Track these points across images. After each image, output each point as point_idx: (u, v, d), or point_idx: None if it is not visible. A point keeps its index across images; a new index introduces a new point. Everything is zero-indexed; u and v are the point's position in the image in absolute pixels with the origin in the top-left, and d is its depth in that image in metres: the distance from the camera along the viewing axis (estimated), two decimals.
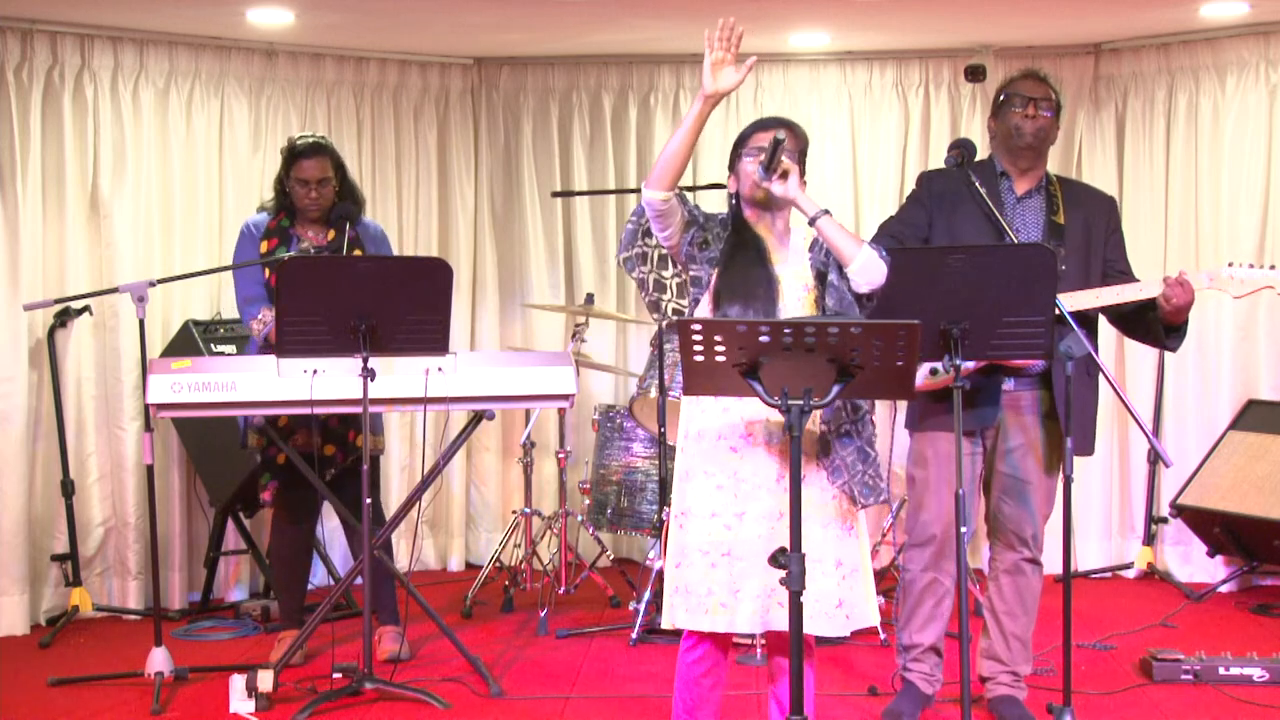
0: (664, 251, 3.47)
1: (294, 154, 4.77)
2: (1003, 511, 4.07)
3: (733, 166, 3.52)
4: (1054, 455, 4.04)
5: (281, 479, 4.82)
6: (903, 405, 4.92)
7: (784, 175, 3.39)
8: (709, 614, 3.35)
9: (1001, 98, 4.10)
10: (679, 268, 3.48)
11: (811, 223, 3.43)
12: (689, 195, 3.55)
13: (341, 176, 4.86)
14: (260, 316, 4.68)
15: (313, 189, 4.75)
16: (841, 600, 3.38)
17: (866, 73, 6.39)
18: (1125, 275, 4.06)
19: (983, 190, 3.92)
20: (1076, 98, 6.27)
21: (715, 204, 3.82)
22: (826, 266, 3.45)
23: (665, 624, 3.46)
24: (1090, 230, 4.04)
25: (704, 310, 3.42)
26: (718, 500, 3.37)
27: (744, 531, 3.35)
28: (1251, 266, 3.96)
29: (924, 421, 4.09)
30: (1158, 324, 3.94)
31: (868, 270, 3.39)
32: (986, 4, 5.51)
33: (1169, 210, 6.13)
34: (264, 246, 4.76)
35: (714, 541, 3.36)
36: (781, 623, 3.34)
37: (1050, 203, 4.05)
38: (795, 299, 3.44)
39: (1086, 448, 4.05)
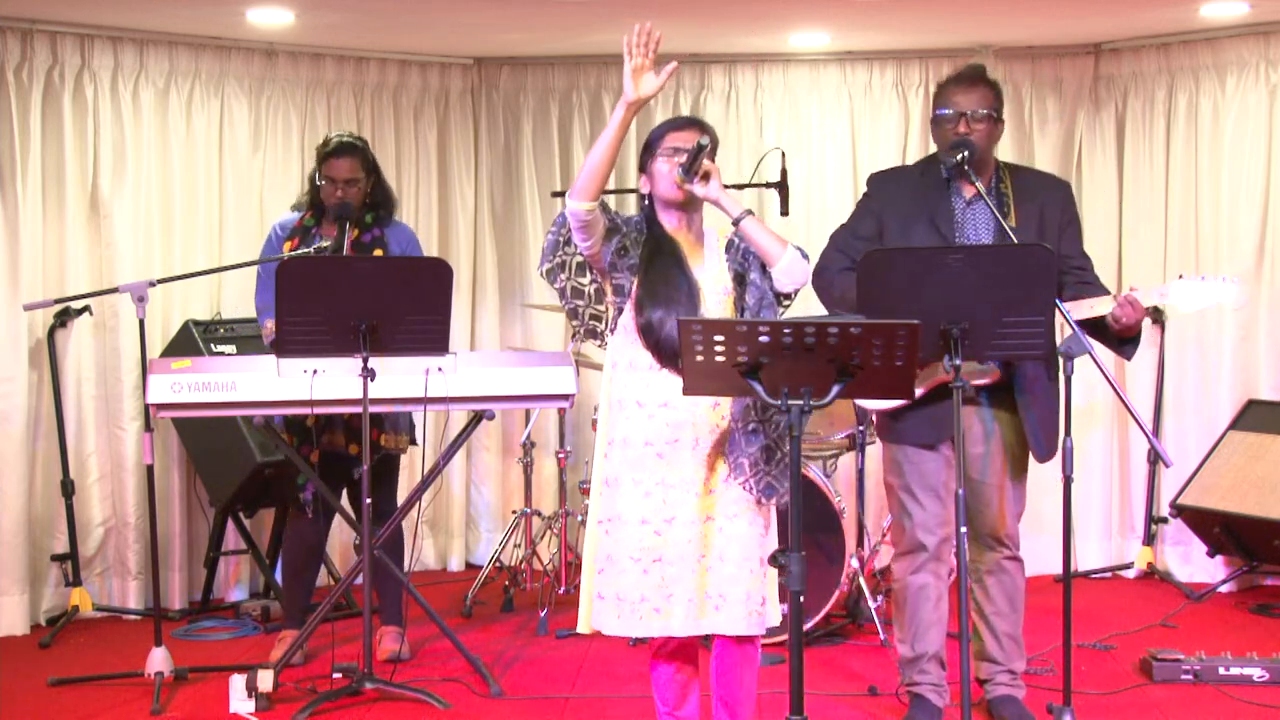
0: (580, 259, 3.45)
1: (326, 151, 4.80)
2: (977, 516, 4.05)
3: (644, 167, 3.49)
4: (1020, 455, 4.04)
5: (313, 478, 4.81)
6: None
7: (705, 177, 3.38)
8: (643, 620, 3.38)
9: (935, 111, 4.00)
10: (595, 274, 3.47)
11: (736, 224, 3.42)
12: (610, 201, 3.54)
13: (376, 179, 4.88)
14: (266, 327, 4.71)
15: (339, 188, 4.77)
16: (765, 598, 3.43)
17: (866, 73, 6.39)
18: (1082, 271, 4.01)
19: (981, 189, 3.88)
20: (1076, 98, 6.28)
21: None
22: (745, 268, 3.45)
23: (584, 629, 3.48)
24: (1044, 226, 3.96)
25: (628, 318, 3.42)
26: (647, 507, 3.38)
27: (673, 536, 3.37)
28: (1203, 279, 3.87)
29: (891, 434, 4.09)
30: (1111, 336, 3.92)
31: (791, 271, 3.41)
32: (986, 4, 5.51)
33: (1169, 210, 6.13)
34: (286, 248, 4.78)
35: (645, 548, 3.37)
36: (712, 626, 3.41)
37: (1001, 203, 3.98)
38: (715, 302, 3.45)
39: (1051, 452, 4.02)
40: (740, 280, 3.46)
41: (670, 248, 3.44)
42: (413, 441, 5.06)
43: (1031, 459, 4.05)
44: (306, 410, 4.41)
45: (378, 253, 4.79)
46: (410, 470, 6.10)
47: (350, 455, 4.79)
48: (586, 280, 3.47)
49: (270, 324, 4.68)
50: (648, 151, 3.48)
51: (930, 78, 6.32)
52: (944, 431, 3.94)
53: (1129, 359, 4.09)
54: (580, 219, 3.36)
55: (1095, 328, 3.93)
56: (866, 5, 5.39)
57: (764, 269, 3.43)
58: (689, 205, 3.46)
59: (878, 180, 4.19)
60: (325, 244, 4.79)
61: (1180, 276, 3.92)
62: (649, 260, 3.42)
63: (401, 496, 5.17)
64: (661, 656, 3.55)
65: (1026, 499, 4.13)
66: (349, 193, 4.77)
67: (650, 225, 3.48)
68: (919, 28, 5.92)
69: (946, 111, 3.95)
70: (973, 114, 3.91)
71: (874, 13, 5.53)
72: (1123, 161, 6.25)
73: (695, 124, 3.49)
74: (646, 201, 3.50)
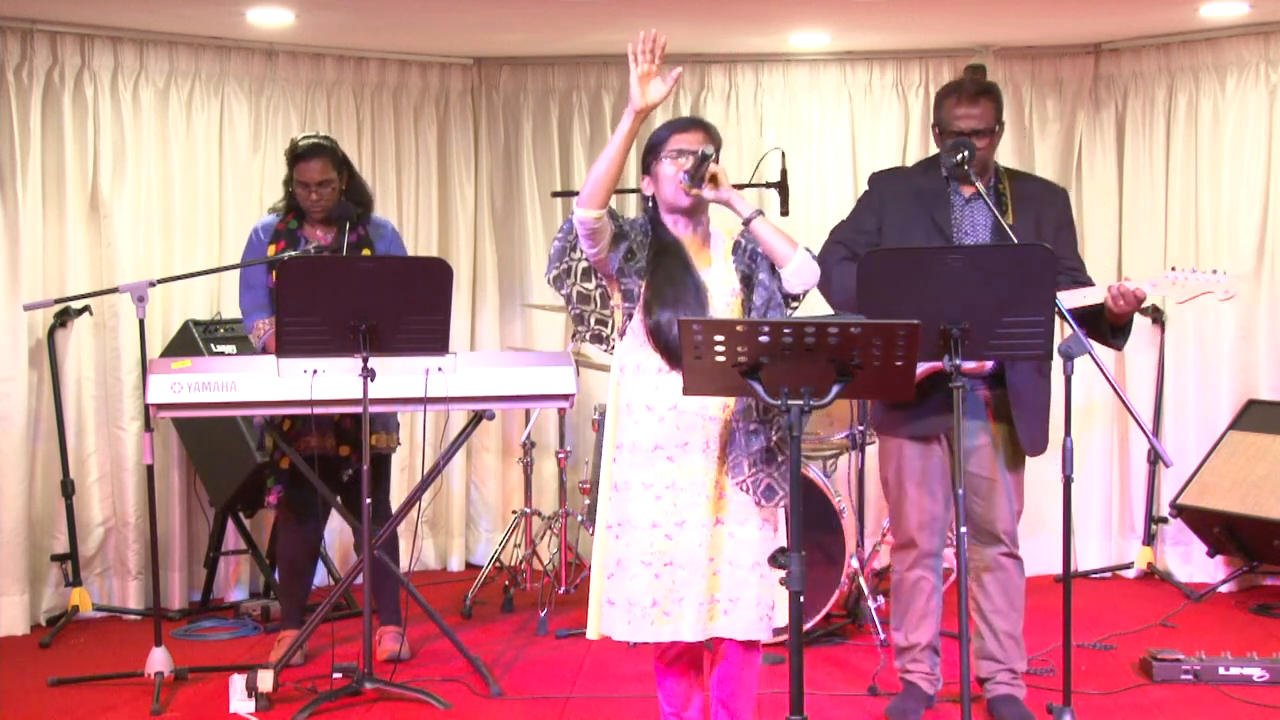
0: (586, 264, 3.43)
1: (295, 156, 4.77)
2: (973, 510, 4.07)
3: (648, 168, 3.47)
4: (1014, 451, 4.06)
5: (286, 483, 4.82)
6: None
7: (713, 180, 3.36)
8: (654, 624, 3.36)
9: (936, 125, 4.06)
10: (600, 278, 3.45)
11: (746, 224, 3.41)
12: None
13: (348, 175, 4.86)
14: (256, 329, 4.71)
15: (313, 190, 4.74)
16: (775, 602, 3.41)
17: (866, 73, 6.39)
18: (1075, 272, 4.05)
19: (981, 188, 3.91)
20: (1076, 98, 6.28)
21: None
22: (752, 270, 3.44)
23: (593, 635, 3.46)
24: (1040, 229, 4.01)
25: (636, 321, 3.41)
26: (657, 510, 3.37)
27: (684, 539, 3.36)
28: (1193, 271, 3.93)
29: (885, 428, 4.15)
30: (1105, 325, 3.95)
31: (801, 272, 3.40)
32: (986, 4, 5.51)
33: (1169, 210, 6.13)
34: (271, 250, 4.77)
35: (656, 551, 3.36)
36: (721, 630, 3.40)
37: (999, 203, 4.03)
38: (723, 304, 3.43)
39: (1040, 447, 4.08)
40: (748, 282, 3.45)
41: (676, 249, 3.43)
42: (398, 441, 5.07)
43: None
44: (306, 410, 4.41)
45: (365, 253, 4.77)
46: (410, 470, 6.11)
47: (340, 457, 4.77)
48: (592, 285, 3.46)
49: (260, 325, 4.69)
50: (651, 153, 3.46)
51: (930, 78, 6.32)
52: (938, 425, 3.99)
53: (1119, 349, 4.13)
54: (589, 226, 3.34)
55: (1086, 320, 3.97)
56: (866, 5, 5.38)
57: (772, 270, 3.42)
58: (694, 209, 3.45)
59: (880, 178, 4.25)
60: (311, 245, 4.76)
61: (1172, 269, 3.97)
62: (655, 262, 3.41)
63: (400, 496, 5.17)
64: (666, 660, 3.54)
65: (1025, 498, 4.15)
66: (323, 194, 4.74)
67: (655, 227, 3.46)
68: (919, 28, 5.92)
69: (950, 130, 4.00)
70: (975, 132, 3.96)
71: (874, 13, 5.53)
72: (1123, 161, 6.25)
73: (699, 125, 3.47)
74: (650, 203, 3.48)
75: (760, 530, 3.39)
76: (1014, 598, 4.13)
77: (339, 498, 4.85)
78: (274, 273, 4.69)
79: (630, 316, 3.42)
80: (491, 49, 6.39)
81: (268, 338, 4.66)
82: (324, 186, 4.75)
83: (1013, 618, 4.13)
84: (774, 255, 3.40)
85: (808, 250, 3.44)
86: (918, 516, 4.09)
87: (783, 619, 3.44)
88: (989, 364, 3.96)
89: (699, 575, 3.34)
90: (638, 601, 3.36)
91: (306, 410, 4.40)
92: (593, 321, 3.49)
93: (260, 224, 4.91)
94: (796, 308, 3.47)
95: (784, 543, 3.44)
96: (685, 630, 3.36)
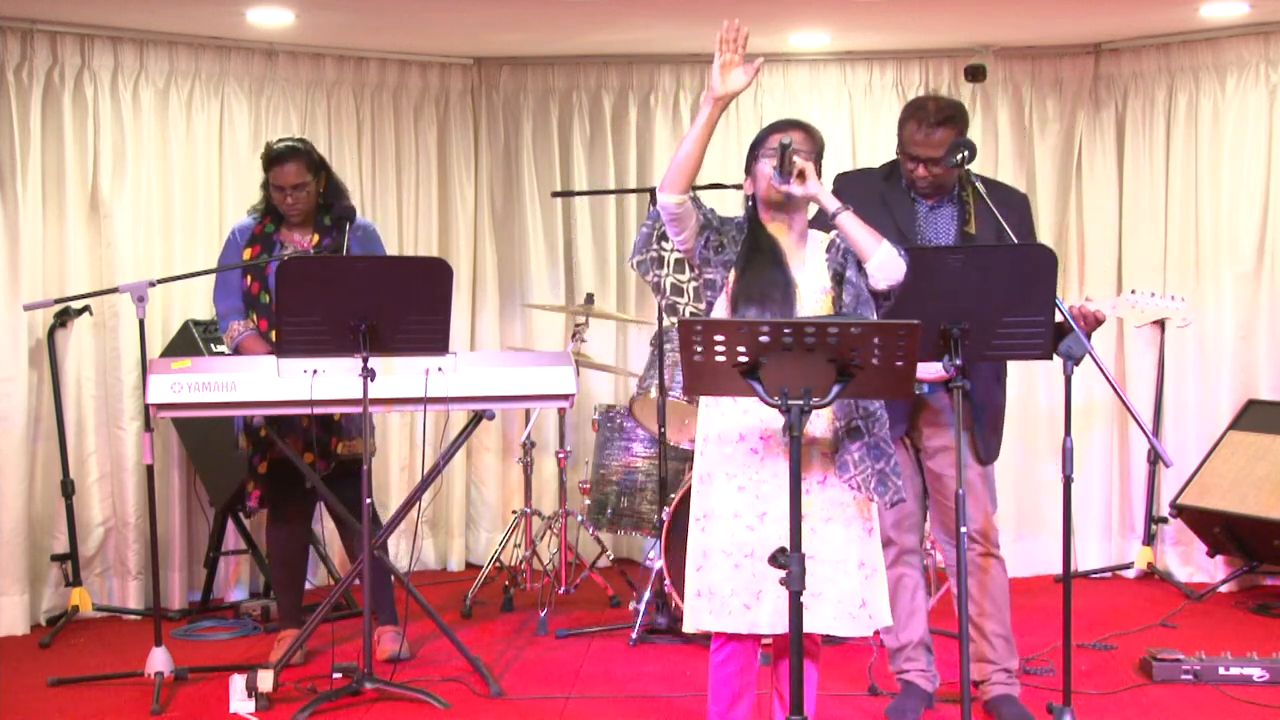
0: (680, 255, 3.48)
1: (269, 159, 4.75)
2: (947, 512, 4.08)
3: (749, 169, 3.53)
4: (977, 451, 4.08)
5: (263, 485, 4.83)
6: None
7: (801, 175, 3.40)
8: (732, 615, 3.37)
9: (899, 139, 4.05)
10: (695, 271, 3.49)
11: (832, 218, 3.44)
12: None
13: (326, 178, 4.83)
14: (230, 331, 4.71)
15: (288, 194, 4.72)
16: (865, 600, 3.40)
17: (866, 73, 6.39)
18: None
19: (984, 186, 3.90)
20: (1076, 98, 6.28)
21: (718, 204, 3.80)
22: (844, 267, 3.47)
23: (688, 628, 3.46)
24: (1002, 236, 3.99)
25: (720, 313, 3.43)
26: (740, 501, 3.38)
27: (766, 532, 3.35)
28: (1153, 295, 3.97)
29: None
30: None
31: (886, 267, 3.41)
32: (986, 4, 5.51)
33: (1169, 210, 6.13)
34: (247, 254, 4.74)
35: (737, 542, 3.37)
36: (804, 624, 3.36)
37: (962, 211, 4.03)
38: (813, 301, 3.45)
39: (993, 454, 4.10)
40: (839, 279, 3.47)
41: (769, 245, 3.46)
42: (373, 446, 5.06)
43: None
44: (306, 410, 4.41)
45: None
46: (410, 470, 6.12)
47: (305, 464, 4.74)
48: (686, 277, 3.50)
49: (235, 327, 4.70)
50: (751, 154, 3.52)
51: (930, 78, 6.33)
52: (899, 428, 4.01)
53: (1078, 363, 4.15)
54: (671, 212, 3.39)
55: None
56: (866, 5, 5.39)
57: (861, 267, 3.44)
58: (790, 206, 3.47)
59: (844, 180, 4.24)
60: (289, 250, 4.73)
61: (1132, 291, 4.01)
62: (747, 258, 3.44)
63: (400, 496, 5.16)
64: (722, 653, 3.50)
65: (999, 498, 4.15)
66: (298, 197, 4.72)
67: (752, 225, 3.50)
68: (919, 28, 5.92)
69: (907, 157, 4.01)
70: (931, 159, 3.95)
71: (874, 13, 5.53)
72: (1123, 161, 6.25)
73: (797, 125, 3.50)
74: (750, 203, 3.52)
75: (846, 528, 3.39)
76: (998, 597, 4.12)
77: (302, 504, 4.87)
78: (249, 276, 4.71)
79: (712, 305, 3.45)
80: (491, 49, 6.39)
81: (241, 340, 4.68)
82: (299, 190, 4.72)
83: (1000, 618, 4.13)
84: (859, 250, 3.43)
85: (895, 246, 3.45)
86: (893, 514, 4.08)
87: (884, 617, 3.45)
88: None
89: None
90: (718, 591, 3.37)
91: (307, 410, 4.40)
92: (688, 314, 3.51)
93: (238, 226, 4.88)
94: (888, 306, 3.45)
95: (877, 540, 3.46)
96: (763, 622, 3.36)
